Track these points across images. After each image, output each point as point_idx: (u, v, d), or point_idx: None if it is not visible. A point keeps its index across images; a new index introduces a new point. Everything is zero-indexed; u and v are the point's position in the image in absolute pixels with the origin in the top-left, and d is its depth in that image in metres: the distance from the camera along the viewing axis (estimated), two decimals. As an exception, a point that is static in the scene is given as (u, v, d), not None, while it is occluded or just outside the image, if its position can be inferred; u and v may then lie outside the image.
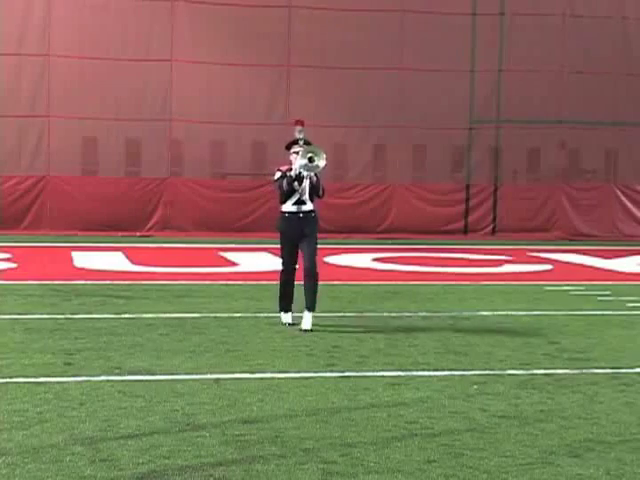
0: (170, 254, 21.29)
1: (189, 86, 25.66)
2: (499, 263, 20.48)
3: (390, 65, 26.44)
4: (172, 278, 16.51)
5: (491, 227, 27.43)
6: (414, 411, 7.93)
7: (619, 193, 27.98)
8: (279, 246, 12.33)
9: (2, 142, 24.97)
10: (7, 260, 18.71)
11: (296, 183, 11.93)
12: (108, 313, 12.60)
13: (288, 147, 12.22)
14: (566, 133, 27.59)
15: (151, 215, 25.64)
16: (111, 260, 19.23)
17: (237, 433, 7.15)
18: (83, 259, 19.19)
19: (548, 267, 19.94)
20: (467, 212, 27.38)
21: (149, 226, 25.55)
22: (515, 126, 27.22)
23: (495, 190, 27.51)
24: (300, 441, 6.98)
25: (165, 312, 12.78)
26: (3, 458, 6.41)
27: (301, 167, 11.83)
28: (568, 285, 16.58)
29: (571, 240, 26.82)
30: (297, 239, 12.05)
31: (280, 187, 12.01)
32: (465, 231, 27.32)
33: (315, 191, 12.06)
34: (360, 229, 26.15)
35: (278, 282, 12.33)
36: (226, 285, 15.81)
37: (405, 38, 26.66)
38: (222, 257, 20.37)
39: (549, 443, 7.09)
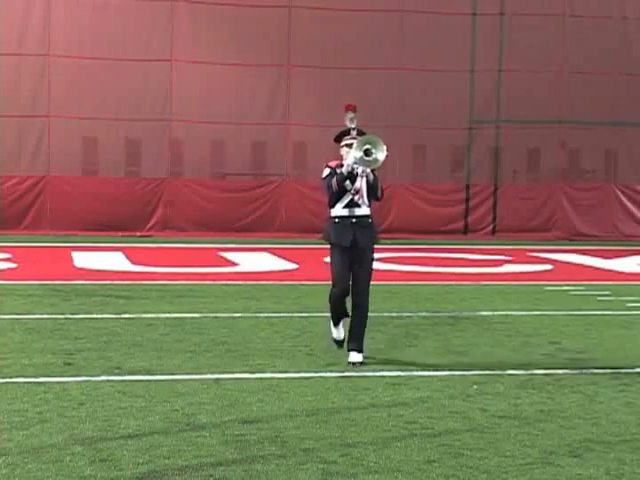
0: (170, 254, 21.29)
1: (189, 86, 25.67)
2: (499, 263, 20.48)
3: (390, 65, 26.44)
4: (172, 278, 16.51)
5: (491, 227, 27.42)
6: (414, 411, 7.92)
7: (619, 193, 27.98)
8: (329, 261, 10.10)
9: (2, 142, 24.97)
10: (7, 260, 18.71)
11: (348, 182, 9.83)
12: (108, 313, 12.59)
13: (338, 139, 10.11)
14: (566, 133, 27.59)
15: (151, 215, 25.64)
16: (111, 260, 19.23)
17: (237, 433, 7.15)
18: (83, 259, 19.19)
19: (548, 267, 19.93)
20: (467, 212, 27.38)
21: (149, 226, 25.55)
22: (515, 126, 27.21)
23: (495, 190, 27.50)
24: (300, 441, 6.98)
25: (165, 312, 12.78)
26: (3, 458, 6.41)
27: (355, 162, 9.72)
28: (568, 285, 16.57)
29: (571, 240, 26.82)
30: (350, 250, 9.86)
31: (329, 187, 9.90)
32: (465, 231, 27.32)
33: (373, 191, 9.89)
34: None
35: (329, 302, 10.06)
36: (226, 285, 15.81)
37: (405, 38, 26.66)
38: (222, 257, 20.37)
39: (549, 443, 7.08)
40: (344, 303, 9.96)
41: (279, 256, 20.57)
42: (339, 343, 10.16)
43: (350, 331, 9.91)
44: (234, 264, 19.10)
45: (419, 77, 26.55)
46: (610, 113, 27.48)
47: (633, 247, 24.50)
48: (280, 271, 18.20)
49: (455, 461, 6.59)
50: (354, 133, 9.92)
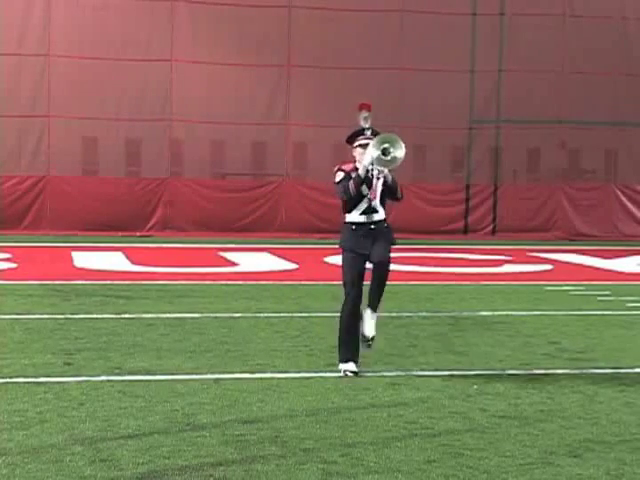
0: (170, 254, 21.29)
1: (189, 86, 25.66)
2: (499, 263, 20.47)
3: (390, 65, 26.43)
4: (172, 278, 16.51)
5: (491, 227, 27.42)
6: (414, 411, 7.92)
7: (619, 193, 27.97)
8: (341, 267, 9.51)
9: (2, 142, 24.97)
10: (7, 260, 18.71)
11: (364, 186, 9.22)
12: (108, 313, 12.59)
13: (350, 140, 9.39)
14: (566, 133, 27.58)
15: (151, 215, 25.64)
16: (111, 260, 19.23)
17: (237, 433, 7.15)
18: (83, 259, 19.19)
19: (548, 267, 19.93)
20: (467, 212, 27.37)
21: (149, 226, 25.55)
22: (515, 126, 27.21)
23: (495, 190, 27.50)
24: (300, 441, 6.98)
25: (165, 312, 12.78)
26: (3, 458, 6.41)
27: (372, 162, 9.15)
28: (568, 285, 16.58)
29: (571, 240, 26.82)
30: (367, 256, 9.34)
31: (345, 191, 9.19)
32: (465, 231, 27.31)
33: (392, 193, 9.37)
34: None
35: (339, 316, 9.48)
36: (226, 285, 15.81)
37: (405, 38, 26.65)
38: (222, 257, 20.37)
39: (549, 443, 7.08)
40: (357, 319, 9.35)
41: (279, 256, 20.57)
42: (355, 374, 9.23)
43: (370, 291, 9.38)
44: (234, 264, 19.10)
45: (419, 77, 26.54)
46: (610, 113, 27.48)
47: (633, 247, 24.50)
48: (280, 271, 18.19)
49: (455, 461, 6.59)
50: (368, 133, 9.30)
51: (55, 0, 25.18)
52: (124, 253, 20.47)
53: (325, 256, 20.04)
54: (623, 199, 27.97)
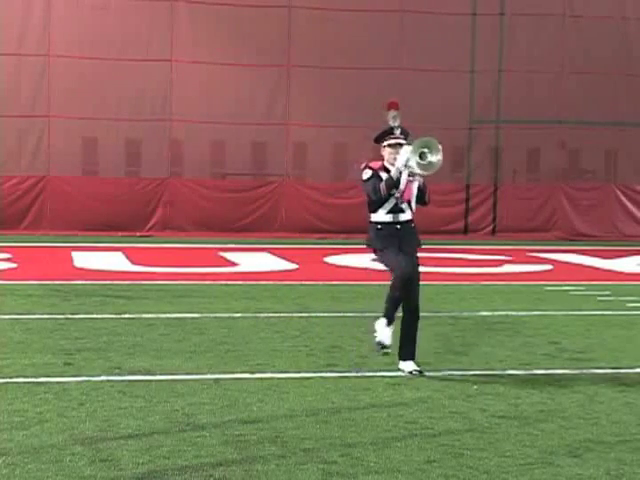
0: (170, 254, 21.28)
1: (189, 86, 25.66)
2: (499, 263, 20.47)
3: (390, 65, 26.42)
4: (172, 278, 16.50)
5: (491, 227, 27.41)
6: (414, 411, 7.93)
7: (619, 193, 27.97)
8: (383, 264, 9.48)
9: (2, 142, 24.97)
10: (7, 260, 18.71)
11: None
12: (108, 313, 12.59)
13: (379, 139, 9.36)
14: (566, 133, 27.58)
15: (151, 215, 25.63)
16: (111, 260, 19.23)
17: (237, 433, 7.15)
18: (83, 259, 19.19)
19: (548, 267, 19.93)
20: (467, 212, 27.37)
21: (149, 226, 25.54)
22: (515, 126, 27.20)
23: (495, 190, 27.49)
24: (300, 441, 6.98)
25: (165, 312, 12.78)
26: (3, 458, 6.41)
27: (405, 164, 9.10)
28: (568, 285, 16.57)
29: (571, 240, 26.82)
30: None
31: (375, 191, 9.16)
32: (465, 231, 27.30)
33: (421, 196, 9.45)
34: (360, 229, 25.99)
35: (393, 288, 9.28)
36: (226, 285, 15.80)
37: (405, 38, 26.65)
38: (222, 257, 20.36)
39: (549, 443, 7.09)
40: (408, 290, 9.24)
41: (279, 256, 20.57)
42: (387, 348, 9.30)
43: (403, 337, 9.45)
44: (234, 264, 19.09)
45: (419, 77, 26.52)
46: (610, 113, 27.47)
47: (633, 247, 24.49)
48: (280, 271, 18.19)
49: (455, 461, 6.59)
50: (397, 132, 9.26)
51: (55, 0, 25.19)
52: (124, 253, 20.47)
53: (325, 256, 20.05)
54: (623, 199, 27.96)
